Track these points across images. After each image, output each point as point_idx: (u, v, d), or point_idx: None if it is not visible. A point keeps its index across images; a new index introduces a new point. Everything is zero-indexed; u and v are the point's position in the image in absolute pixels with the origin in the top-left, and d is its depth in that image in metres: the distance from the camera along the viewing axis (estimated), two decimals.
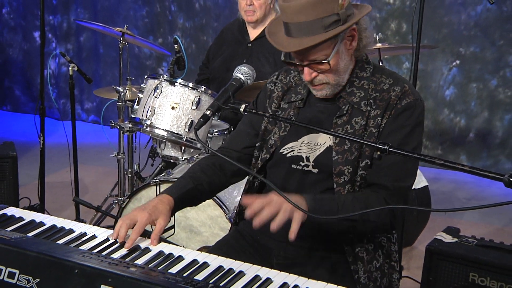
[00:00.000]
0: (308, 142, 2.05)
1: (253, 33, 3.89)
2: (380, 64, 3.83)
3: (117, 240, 1.86)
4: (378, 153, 1.65)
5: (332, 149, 1.99)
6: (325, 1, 1.84)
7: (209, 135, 3.52)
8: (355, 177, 1.98)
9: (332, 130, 1.99)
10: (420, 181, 3.88)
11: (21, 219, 1.99)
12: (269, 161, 2.13)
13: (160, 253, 1.82)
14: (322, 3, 1.83)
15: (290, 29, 1.89)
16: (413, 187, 3.70)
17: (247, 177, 2.28)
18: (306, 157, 2.05)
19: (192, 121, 3.31)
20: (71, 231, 1.93)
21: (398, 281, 2.13)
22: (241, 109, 1.87)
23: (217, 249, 2.12)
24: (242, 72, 1.94)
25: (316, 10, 1.83)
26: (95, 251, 1.80)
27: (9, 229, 1.90)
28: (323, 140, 2.03)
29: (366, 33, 1.98)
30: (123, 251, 1.82)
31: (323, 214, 1.83)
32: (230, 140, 2.31)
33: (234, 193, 3.04)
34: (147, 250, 1.84)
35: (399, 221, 2.02)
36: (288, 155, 2.07)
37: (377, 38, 3.91)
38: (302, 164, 2.05)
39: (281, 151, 2.09)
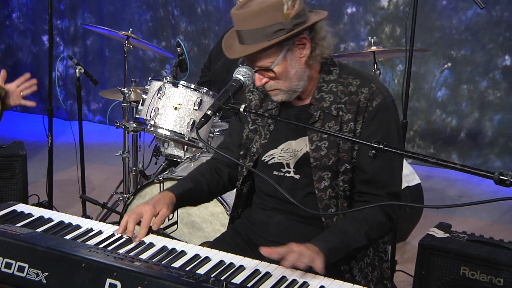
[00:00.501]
0: (287, 149, 2.04)
1: None
2: (375, 66, 3.83)
3: (123, 235, 1.87)
4: (373, 151, 1.64)
5: (309, 156, 1.98)
6: (269, 11, 1.83)
7: (210, 135, 3.52)
8: (336, 181, 1.96)
9: (308, 136, 1.98)
10: (413, 179, 3.89)
11: (30, 215, 2.00)
12: (254, 168, 2.11)
13: (164, 248, 1.82)
14: (265, 13, 1.83)
15: (240, 37, 1.89)
16: (406, 185, 3.74)
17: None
18: (286, 163, 2.03)
19: (194, 121, 3.31)
20: (78, 227, 1.93)
21: (388, 270, 2.11)
22: (241, 109, 1.86)
23: (215, 245, 2.11)
24: (242, 74, 1.93)
25: (260, 19, 1.83)
26: (101, 246, 1.80)
27: (18, 225, 1.91)
28: (300, 147, 2.01)
29: (323, 42, 1.94)
30: (129, 246, 1.82)
31: (336, 254, 1.83)
32: (219, 154, 2.29)
33: (234, 191, 3.03)
34: (151, 245, 1.84)
35: (396, 225, 2.01)
36: (270, 162, 2.06)
37: (372, 42, 3.91)
38: (284, 170, 2.03)
39: (263, 158, 2.07)
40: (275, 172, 2.04)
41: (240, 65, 2.01)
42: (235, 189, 2.23)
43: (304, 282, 1.65)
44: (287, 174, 2.03)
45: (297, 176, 2.02)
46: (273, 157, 2.06)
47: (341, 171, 1.95)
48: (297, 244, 1.75)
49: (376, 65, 3.84)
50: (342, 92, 1.97)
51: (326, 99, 1.97)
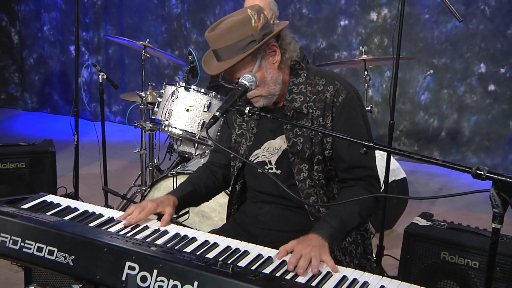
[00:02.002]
0: (268, 148, 2.04)
1: None
2: (365, 73, 3.83)
3: (122, 220, 1.89)
4: (364, 149, 1.64)
5: (288, 152, 1.98)
6: (238, 27, 1.83)
7: (218, 133, 3.51)
8: (312, 172, 1.96)
9: (285, 134, 1.98)
10: (399, 173, 3.88)
11: (58, 205, 2.00)
12: (243, 168, 2.12)
13: (177, 234, 1.82)
14: (236, 29, 1.83)
15: (217, 55, 1.90)
16: (393, 179, 3.73)
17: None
18: (268, 161, 2.03)
19: (204, 122, 3.31)
20: (100, 215, 1.94)
21: (370, 246, 2.11)
22: (246, 111, 1.86)
23: (218, 234, 2.12)
24: (247, 79, 1.93)
25: (231, 35, 1.84)
26: (121, 233, 1.80)
27: (48, 213, 1.91)
28: (279, 145, 2.02)
29: (289, 47, 1.95)
30: (146, 233, 1.83)
31: (337, 238, 1.81)
32: (213, 157, 2.28)
33: None
34: (165, 232, 1.84)
35: (381, 203, 2.01)
36: (255, 161, 2.06)
37: (363, 51, 3.91)
38: (267, 167, 2.03)
39: (250, 158, 2.07)
40: (259, 170, 2.02)
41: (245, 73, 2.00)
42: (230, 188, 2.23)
43: None
44: (270, 171, 2.03)
45: (278, 171, 2.02)
46: (258, 157, 2.06)
47: (314, 162, 1.95)
48: (299, 242, 1.70)
49: (367, 72, 3.84)
50: (311, 92, 1.97)
51: (297, 99, 1.98)
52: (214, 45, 1.89)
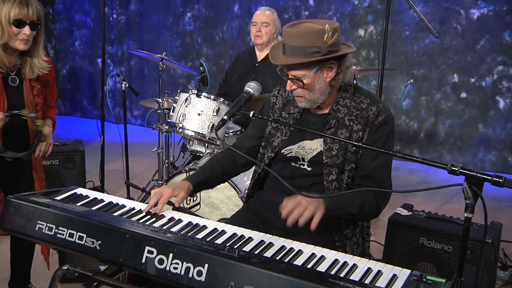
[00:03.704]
0: (303, 147, 2.01)
1: (260, 56, 3.90)
2: (355, 82, 3.82)
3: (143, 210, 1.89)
4: (354, 148, 1.63)
5: (323, 154, 1.96)
6: (312, 35, 1.81)
7: (226, 135, 3.51)
8: (341, 176, 1.95)
9: (323, 139, 1.97)
10: None
11: (87, 197, 2.00)
12: (274, 158, 2.10)
13: (189, 223, 1.82)
14: (309, 36, 1.81)
15: (285, 49, 1.87)
16: None
17: (253, 168, 2.25)
18: (302, 157, 2.01)
19: (213, 124, 3.31)
20: (123, 206, 1.93)
21: (368, 248, 2.11)
22: (250, 115, 1.85)
23: (232, 220, 2.11)
24: (251, 87, 1.93)
25: (304, 39, 1.81)
26: (141, 221, 1.80)
27: (78, 204, 1.91)
28: (316, 146, 1.99)
29: (347, 70, 1.92)
30: (162, 221, 1.82)
31: (335, 210, 1.82)
32: (241, 140, 2.28)
33: (244, 178, 3.03)
34: (179, 221, 1.84)
35: (381, 210, 2.00)
36: (288, 155, 2.04)
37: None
38: (299, 163, 2.02)
39: (282, 151, 2.05)
40: (292, 163, 2.02)
41: (250, 81, 2.00)
42: (253, 172, 2.20)
43: (299, 250, 1.65)
44: (302, 166, 2.01)
45: (309, 169, 2.00)
46: (291, 151, 2.03)
47: (347, 169, 1.94)
48: (302, 197, 1.74)
49: (355, 81, 3.83)
50: (354, 107, 1.95)
51: (341, 111, 1.96)
52: (286, 40, 1.85)
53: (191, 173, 3.02)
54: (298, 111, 2.05)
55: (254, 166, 2.25)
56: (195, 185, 2.04)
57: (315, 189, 1.96)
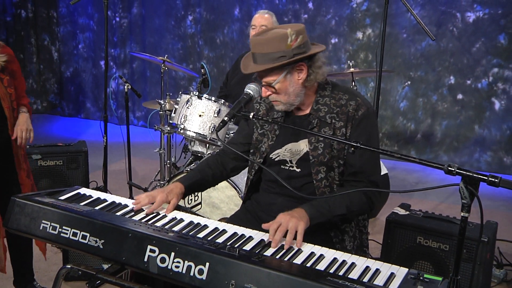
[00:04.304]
0: (290, 149, 2.01)
1: None
2: (353, 83, 3.82)
3: (134, 206, 1.88)
4: (352, 149, 1.63)
5: (309, 154, 1.96)
6: (276, 41, 1.81)
7: (226, 135, 3.51)
8: (330, 174, 1.94)
9: (308, 139, 1.97)
10: (382, 170, 3.85)
11: (90, 196, 1.99)
12: (263, 164, 2.09)
13: (191, 222, 1.81)
14: (273, 42, 1.81)
15: (254, 58, 1.88)
16: None
17: (246, 176, 2.24)
18: (289, 160, 2.01)
19: (214, 125, 3.30)
20: (126, 205, 1.93)
21: (367, 240, 2.10)
22: (250, 116, 1.85)
23: (231, 221, 2.10)
24: (251, 89, 1.92)
25: (269, 46, 1.82)
26: (143, 220, 1.80)
27: (82, 203, 1.90)
28: (301, 147, 1.99)
29: (319, 70, 1.91)
30: (164, 221, 1.82)
31: (320, 217, 1.81)
32: (228, 148, 2.26)
33: (245, 178, 3.02)
34: (181, 220, 1.83)
35: (375, 204, 1.99)
36: (276, 159, 2.03)
37: (350, 65, 3.90)
38: (288, 165, 2.01)
39: (271, 156, 2.05)
40: (282, 166, 2.02)
41: (250, 83, 2.00)
42: (246, 179, 2.21)
43: (299, 249, 1.64)
44: (291, 168, 2.01)
45: (298, 170, 2.00)
46: (279, 155, 2.03)
47: (335, 166, 1.94)
48: (284, 213, 1.74)
49: (354, 83, 3.84)
50: (334, 104, 1.95)
51: (322, 110, 1.96)
52: (254, 49, 1.86)
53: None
54: (281, 115, 2.05)
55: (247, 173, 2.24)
56: (187, 187, 2.05)
57: (307, 189, 1.96)
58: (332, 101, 1.96)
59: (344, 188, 1.95)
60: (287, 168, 2.01)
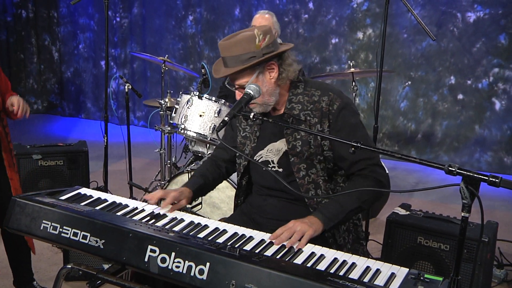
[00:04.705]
0: (271, 149, 2.02)
1: None
2: (353, 83, 3.82)
3: (149, 201, 1.93)
4: (353, 149, 1.62)
5: (288, 153, 1.96)
6: (244, 42, 1.82)
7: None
8: (311, 170, 1.94)
9: (285, 138, 1.96)
10: None
11: (91, 196, 2.00)
12: (248, 166, 2.11)
13: (191, 222, 1.82)
14: (242, 44, 1.82)
15: (224, 62, 1.89)
16: None
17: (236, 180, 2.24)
18: (271, 160, 2.01)
19: (214, 125, 3.31)
20: (126, 205, 1.93)
21: (362, 232, 2.09)
22: (251, 116, 1.85)
23: (228, 222, 2.11)
24: (251, 89, 1.92)
25: (237, 48, 1.83)
26: (144, 220, 1.80)
27: (82, 204, 1.91)
28: (280, 147, 2.00)
29: (289, 67, 1.91)
30: (164, 221, 1.82)
31: (334, 218, 1.81)
32: (217, 151, 2.29)
33: None
34: (181, 220, 1.84)
35: (385, 183, 1.95)
36: (260, 160, 2.04)
37: (351, 65, 3.90)
38: (270, 166, 2.01)
39: (255, 158, 2.05)
40: (264, 168, 2.01)
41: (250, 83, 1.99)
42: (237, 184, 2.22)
43: (299, 249, 1.65)
44: (274, 169, 2.01)
45: (280, 169, 2.00)
46: (261, 156, 2.04)
47: (316, 162, 1.93)
48: (296, 220, 1.74)
49: (354, 83, 3.83)
50: (308, 101, 1.95)
51: (296, 108, 1.95)
52: (223, 53, 1.88)
53: (192, 173, 3.02)
54: (259, 117, 2.05)
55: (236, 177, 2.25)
56: (194, 192, 2.07)
57: (292, 187, 1.94)
58: (305, 98, 1.95)
59: (351, 182, 1.94)
60: (270, 168, 2.01)
